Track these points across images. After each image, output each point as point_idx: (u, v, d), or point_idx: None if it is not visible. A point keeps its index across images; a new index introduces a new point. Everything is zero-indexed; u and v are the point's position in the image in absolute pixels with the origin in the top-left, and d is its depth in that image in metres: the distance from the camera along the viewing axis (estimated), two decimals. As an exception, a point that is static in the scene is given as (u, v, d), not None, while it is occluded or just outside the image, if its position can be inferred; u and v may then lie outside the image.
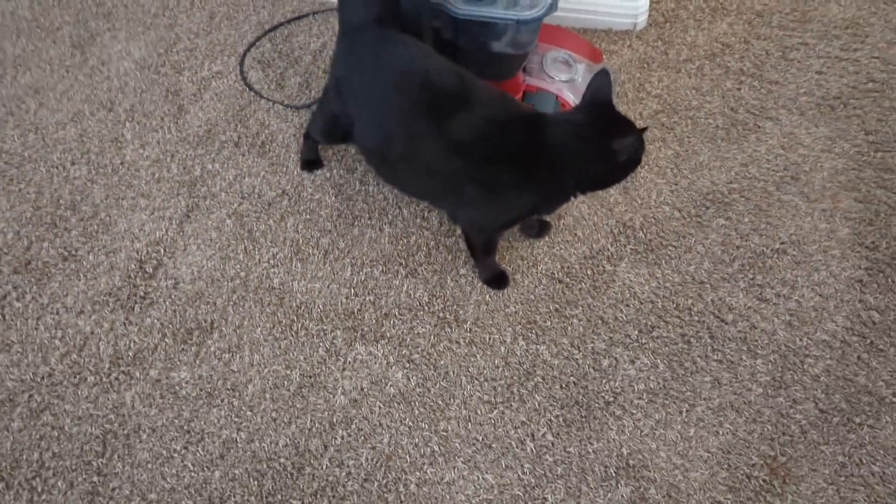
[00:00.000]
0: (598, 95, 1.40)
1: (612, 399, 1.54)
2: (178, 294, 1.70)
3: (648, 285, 1.70)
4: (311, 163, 1.91)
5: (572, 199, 1.51)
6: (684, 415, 1.52)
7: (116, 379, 1.58)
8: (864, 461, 1.46)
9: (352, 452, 1.48)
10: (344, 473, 1.46)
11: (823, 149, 1.93)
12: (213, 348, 1.62)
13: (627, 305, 1.68)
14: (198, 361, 1.60)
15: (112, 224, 1.83)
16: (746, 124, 1.99)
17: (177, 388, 1.57)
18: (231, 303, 1.69)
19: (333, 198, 1.86)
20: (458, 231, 1.78)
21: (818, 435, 1.49)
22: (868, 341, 1.61)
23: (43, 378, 1.58)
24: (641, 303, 1.68)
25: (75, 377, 1.58)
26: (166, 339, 1.64)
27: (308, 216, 1.83)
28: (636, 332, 1.64)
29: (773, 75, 2.09)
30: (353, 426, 1.51)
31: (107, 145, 1.99)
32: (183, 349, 1.62)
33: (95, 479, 1.45)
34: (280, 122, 2.02)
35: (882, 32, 2.19)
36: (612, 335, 1.63)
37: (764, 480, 1.44)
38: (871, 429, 1.50)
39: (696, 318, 1.65)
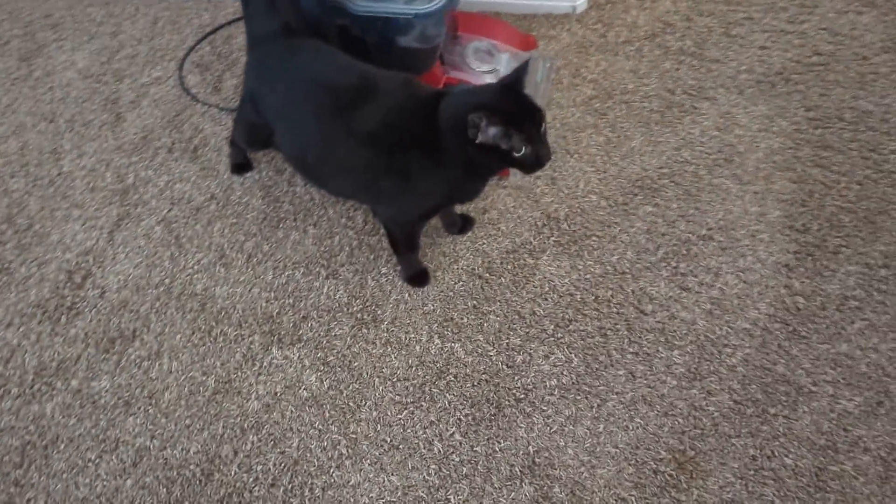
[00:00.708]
0: (509, 77, 1.36)
1: (522, 396, 1.53)
2: (103, 303, 1.73)
3: (569, 278, 1.68)
4: (240, 166, 1.92)
5: (485, 184, 1.48)
6: (595, 410, 1.50)
7: (39, 390, 1.61)
8: (777, 453, 1.42)
9: (261, 458, 1.49)
10: (252, 479, 1.47)
11: (761, 128, 1.88)
12: (133, 356, 1.65)
13: (546, 299, 1.65)
14: (118, 370, 1.63)
15: (45, 235, 1.86)
16: (682, 106, 1.94)
17: (96, 397, 1.60)
18: (154, 310, 1.71)
19: (261, 200, 1.87)
20: (382, 230, 1.77)
21: (730, 427, 1.46)
22: (790, 328, 1.56)
23: (-30, 391, 1.62)
24: (560, 296, 1.65)
25: (0, 390, 1.62)
26: (89, 349, 1.66)
27: (234, 220, 1.84)
28: (552, 326, 1.61)
29: (713, 53, 2.03)
30: (265, 431, 1.53)
31: (45, 157, 2.02)
32: (105, 358, 1.65)
33: (12, 489, 1.49)
34: (214, 125, 2.03)
35: (832, 1, 2.11)
36: (528, 330, 1.61)
37: (670, 475, 1.41)
38: (787, 419, 1.46)
39: (615, 310, 1.62)
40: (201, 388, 1.59)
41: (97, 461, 1.51)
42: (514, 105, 1.34)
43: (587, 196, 1.80)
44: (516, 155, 1.34)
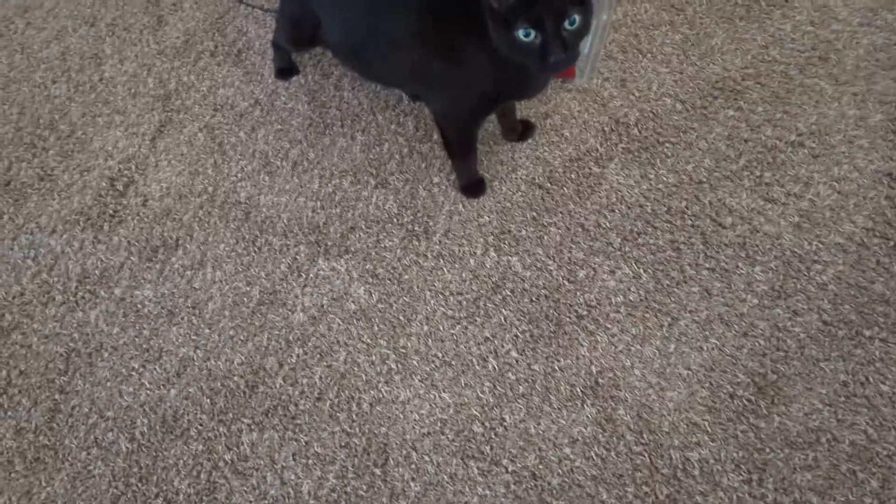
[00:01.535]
0: None
1: (585, 313, 1.41)
2: (146, 211, 1.66)
3: (639, 188, 1.53)
4: (284, 71, 1.81)
5: (540, 78, 1.32)
6: (665, 329, 1.37)
7: (83, 298, 1.57)
8: (872, 379, 1.28)
9: (307, 371, 1.42)
10: (297, 392, 1.40)
11: (862, 22, 1.66)
12: (176, 265, 1.58)
13: (613, 211, 1.51)
14: (161, 279, 1.57)
15: (88, 142, 1.79)
16: None
17: (139, 306, 1.54)
18: (197, 219, 1.63)
19: (307, 106, 1.75)
20: (435, 136, 1.65)
21: (818, 350, 1.31)
22: (892, 243, 1.39)
23: (14, 298, 1.58)
24: (629, 207, 1.51)
25: (44, 297, 1.57)
26: (132, 258, 1.60)
27: (280, 126, 1.73)
28: (619, 239, 1.48)
29: (809, -60, 1.80)
30: (310, 344, 1.45)
31: (87, 62, 1.94)
32: (148, 267, 1.59)
33: (58, 396, 1.46)
34: (258, 27, 1.91)
35: None
36: (592, 244, 1.48)
37: (749, 400, 1.28)
38: (884, 343, 1.31)
39: (690, 223, 1.47)
40: (245, 299, 1.51)
41: (141, 370, 1.46)
42: None
43: (661, 99, 1.63)
44: (522, 38, 1.15)
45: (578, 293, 1.43)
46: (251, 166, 1.68)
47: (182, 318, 1.51)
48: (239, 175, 1.68)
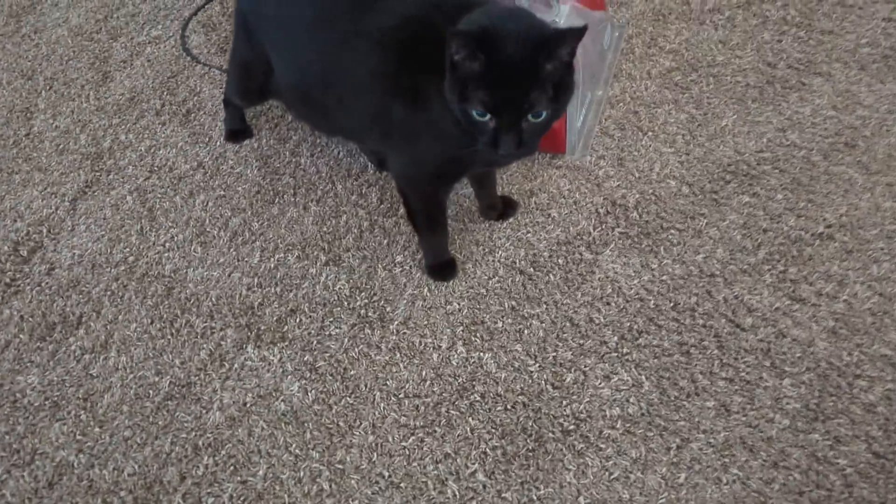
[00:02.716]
0: (544, 26, 0.99)
1: (572, 427, 1.12)
2: (50, 281, 1.38)
3: (639, 279, 1.28)
4: (236, 133, 1.58)
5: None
6: (673, 453, 1.08)
7: (-49, 382, 1.26)
8: (942, 532, 0.98)
9: (214, 487, 1.11)
10: (199, 515, 1.08)
11: (891, 109, 1.47)
12: (73, 347, 1.29)
13: (608, 304, 1.25)
14: (52, 363, 1.27)
15: (-2, 202, 1.53)
16: (787, 82, 1.55)
17: (18, 395, 1.23)
18: (108, 292, 1.35)
19: (256, 171, 1.52)
20: (402, 210, 1.40)
21: (870, 490, 1.02)
22: (950, 358, 1.13)
23: None
24: (627, 301, 1.25)
25: None
26: (21, 335, 1.31)
27: (222, 192, 1.49)
28: (616, 338, 1.21)
29: (825, 24, 1.64)
30: (224, 452, 1.14)
31: (15, 115, 1.71)
32: (38, 348, 1.29)
33: None
34: (213, 87, 1.70)
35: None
36: (582, 342, 1.21)
37: (785, 554, 0.98)
38: (954, 484, 1.01)
39: (701, 322, 1.21)
40: (151, 392, 1.21)
41: (4, 477, 1.14)
42: (509, 56, 0.94)
43: (664, 181, 1.41)
44: (476, 117, 0.96)
45: (565, 402, 1.14)
46: (183, 235, 1.42)
47: (69, 413, 1.21)
48: (167, 244, 1.41)
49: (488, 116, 0.96)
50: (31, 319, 1.34)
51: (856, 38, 1.61)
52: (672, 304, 1.24)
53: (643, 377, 1.16)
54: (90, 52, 1.85)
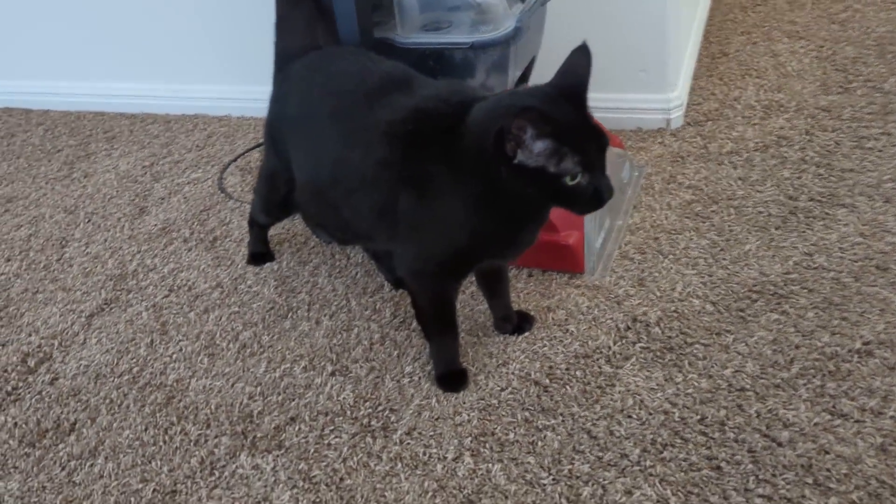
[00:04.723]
0: (567, 77, 1.02)
1: (589, 545, 0.99)
2: (51, 391, 1.35)
3: (662, 392, 1.19)
4: (258, 256, 1.60)
5: (528, 233, 1.09)
6: (707, 576, 0.93)
7: (-70, 486, 1.19)
8: None
9: None
10: None
11: (921, 235, 1.43)
12: (62, 454, 1.22)
13: (629, 417, 1.16)
14: (36, 470, 1.20)
15: (17, 317, 1.55)
16: (811, 212, 1.53)
17: (-4, 500, 1.16)
18: (107, 401, 1.31)
19: (273, 290, 1.52)
20: (414, 324, 1.37)
21: None
22: None
23: None
24: (650, 413, 1.16)
25: None
26: (10, 441, 1.26)
27: (237, 309, 1.48)
28: (638, 451, 1.10)
29: (845, 164, 1.65)
30: (200, 564, 1.03)
31: (51, 244, 1.78)
32: (26, 454, 1.23)
33: None
34: (242, 219, 1.75)
35: None
36: (601, 454, 1.10)
37: None
38: None
39: (733, 437, 1.10)
40: (132, 500, 1.13)
41: (-41, 587, 1.04)
42: (571, 115, 0.99)
43: (686, 299, 1.36)
44: (568, 183, 0.97)
45: (581, 517, 1.02)
46: (191, 347, 1.40)
47: (42, 520, 1.12)
48: (174, 356, 1.39)
49: (579, 176, 0.97)
50: (23, 426, 1.29)
51: (878, 175, 1.61)
52: (699, 418, 1.14)
53: (669, 492, 1.04)
54: (132, 191, 1.95)
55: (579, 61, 1.00)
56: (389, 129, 1.10)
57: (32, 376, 1.39)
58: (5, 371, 1.41)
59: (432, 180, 1.07)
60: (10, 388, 1.37)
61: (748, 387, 1.18)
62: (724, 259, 1.44)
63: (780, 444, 1.08)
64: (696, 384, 1.20)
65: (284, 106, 1.29)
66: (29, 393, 1.35)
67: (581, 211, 1.04)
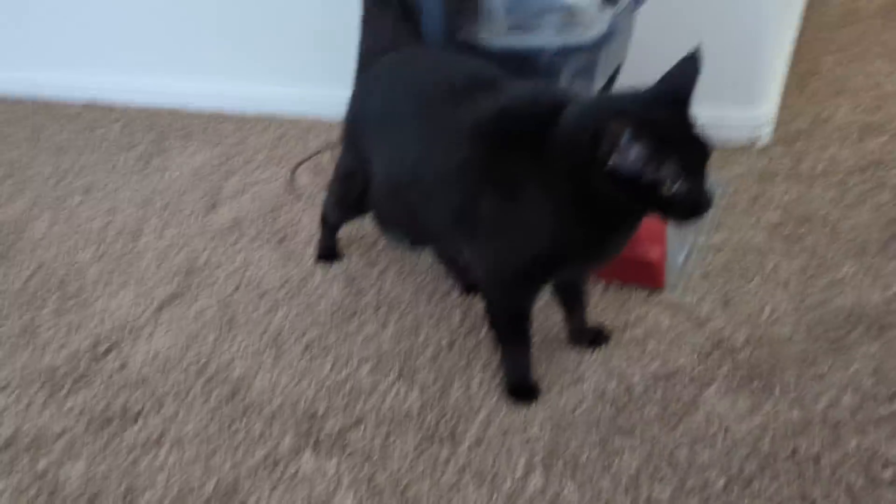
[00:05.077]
0: (670, 80, 0.97)
1: (670, 577, 0.92)
2: (118, 378, 1.35)
3: (749, 421, 1.12)
4: (328, 255, 1.59)
5: (616, 241, 1.04)
6: None
7: (-3, 465, 1.20)
8: None
9: None
10: None
11: None
12: (126, 441, 1.22)
13: (713, 445, 1.09)
14: (101, 456, 1.20)
15: (90, 304, 1.56)
16: (913, 239, 1.43)
17: (60, 484, 1.16)
18: (173, 392, 1.30)
19: (341, 291, 1.49)
20: (485, 331, 1.33)
21: None
22: None
23: (-82, 453, 1.23)
24: (735, 443, 1.08)
25: (-47, 457, 1.22)
26: (78, 426, 1.26)
27: (304, 308, 1.46)
28: (723, 480, 1.03)
29: (949, 189, 1.55)
30: (259, 564, 1.00)
31: (124, 235, 1.80)
32: (91, 440, 1.23)
33: None
34: (311, 218, 1.74)
35: None
36: (682, 481, 1.04)
37: None
38: None
39: (828, 472, 1.02)
40: (194, 492, 1.11)
41: (20, 568, 1.03)
42: (672, 121, 0.94)
43: (775, 325, 1.28)
44: (666, 192, 0.91)
45: (660, 547, 0.96)
46: (257, 344, 1.38)
47: (104, 507, 1.10)
48: (240, 351, 1.37)
49: (678, 184, 0.92)
50: (91, 412, 1.29)
51: None
52: (791, 451, 1.07)
53: (757, 527, 0.97)
54: (204, 187, 1.96)
55: (688, 67, 0.95)
56: (474, 129, 1.06)
57: (102, 362, 1.39)
58: (76, 355, 1.41)
59: (518, 183, 1.03)
60: (80, 373, 1.37)
61: (846, 420, 1.10)
62: (817, 284, 1.36)
63: (881, 483, 1.00)
64: (786, 415, 1.12)
65: (366, 104, 1.27)
66: (98, 378, 1.35)
67: (679, 221, 0.98)
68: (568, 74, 1.30)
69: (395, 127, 1.18)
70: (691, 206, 0.95)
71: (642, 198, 0.94)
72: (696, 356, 1.24)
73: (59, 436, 1.24)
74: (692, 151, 0.93)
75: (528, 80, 1.13)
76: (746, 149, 1.80)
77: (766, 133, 1.80)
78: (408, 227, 1.27)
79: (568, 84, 1.32)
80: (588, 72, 1.30)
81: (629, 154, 0.92)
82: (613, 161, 0.92)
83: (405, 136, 1.16)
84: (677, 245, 1.40)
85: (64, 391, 1.33)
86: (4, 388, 1.36)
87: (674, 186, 0.92)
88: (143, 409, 1.27)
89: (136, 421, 1.25)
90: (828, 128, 1.82)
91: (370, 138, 1.25)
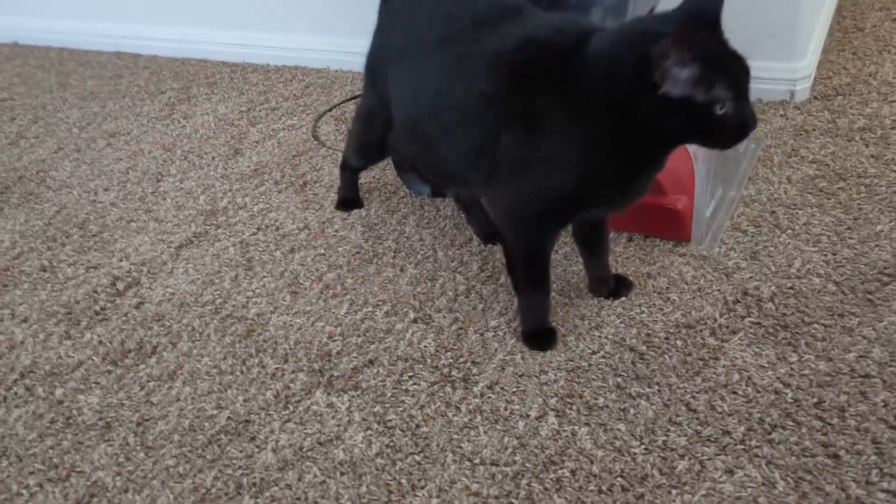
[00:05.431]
0: (700, 3, 0.93)
1: (683, 521, 0.90)
2: (136, 314, 1.35)
3: (773, 371, 1.08)
4: (348, 202, 1.57)
5: (645, 178, 1.01)
6: (817, 569, 0.83)
7: (15, 394, 1.21)
8: None
9: (248, 531, 0.95)
10: (224, 559, 0.92)
11: None
12: (141, 374, 1.22)
13: (734, 393, 1.05)
14: (116, 387, 1.20)
15: (111, 243, 1.56)
16: (953, 196, 1.37)
17: (75, 413, 1.16)
18: (189, 328, 1.30)
19: (360, 235, 1.47)
20: (502, 279, 1.30)
21: None
22: None
23: (-61, 379, 1.24)
24: (759, 391, 1.05)
25: (-28, 384, 1.23)
26: (95, 358, 1.26)
27: (322, 251, 1.45)
28: (743, 429, 1.00)
29: None
30: (268, 494, 0.99)
31: (147, 177, 1.79)
32: (108, 371, 1.23)
33: (-87, 502, 1.04)
34: (333, 166, 1.72)
35: None
36: (700, 428, 1.01)
37: None
38: None
39: (854, 424, 0.99)
40: (206, 425, 1.10)
41: (35, 490, 1.04)
42: (712, 41, 0.90)
43: (806, 277, 1.24)
44: (717, 112, 0.88)
45: (675, 492, 0.93)
46: (274, 284, 1.37)
47: (117, 436, 1.11)
48: (257, 291, 1.36)
49: (727, 105, 0.89)
50: (108, 345, 1.29)
51: None
52: (816, 401, 1.03)
53: (776, 476, 0.94)
54: (228, 134, 1.95)
55: None
56: (496, 60, 1.03)
57: (120, 299, 1.39)
58: (95, 292, 1.41)
59: (542, 116, 1.00)
60: (98, 309, 1.37)
61: (874, 374, 1.06)
62: (852, 238, 1.31)
63: (909, 438, 0.96)
64: (812, 365, 1.08)
65: (387, 37, 1.24)
66: (115, 314, 1.35)
67: (725, 144, 0.95)
68: (598, 13, 1.25)
69: (415, 59, 1.15)
70: (739, 126, 0.92)
71: (692, 122, 0.90)
72: (720, 307, 1.20)
73: (76, 367, 1.25)
74: (737, 71, 0.90)
75: (555, 11, 1.09)
76: (784, 104, 1.74)
77: (804, 88, 1.74)
78: (428, 168, 1.24)
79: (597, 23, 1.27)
80: (620, 10, 1.26)
81: (679, 77, 0.88)
82: (664, 87, 0.88)
83: (426, 68, 1.13)
84: (705, 197, 1.35)
85: (82, 326, 1.34)
86: (24, 321, 1.37)
87: (723, 107, 0.88)
88: (158, 344, 1.27)
89: (151, 356, 1.25)
90: (871, 84, 1.75)
91: (390, 73, 1.21)
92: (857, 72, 1.81)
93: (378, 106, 1.28)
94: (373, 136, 1.35)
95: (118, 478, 1.04)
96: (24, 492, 1.04)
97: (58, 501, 1.02)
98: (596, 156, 0.97)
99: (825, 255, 1.28)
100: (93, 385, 1.21)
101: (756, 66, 0.95)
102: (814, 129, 1.62)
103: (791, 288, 1.22)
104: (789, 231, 1.34)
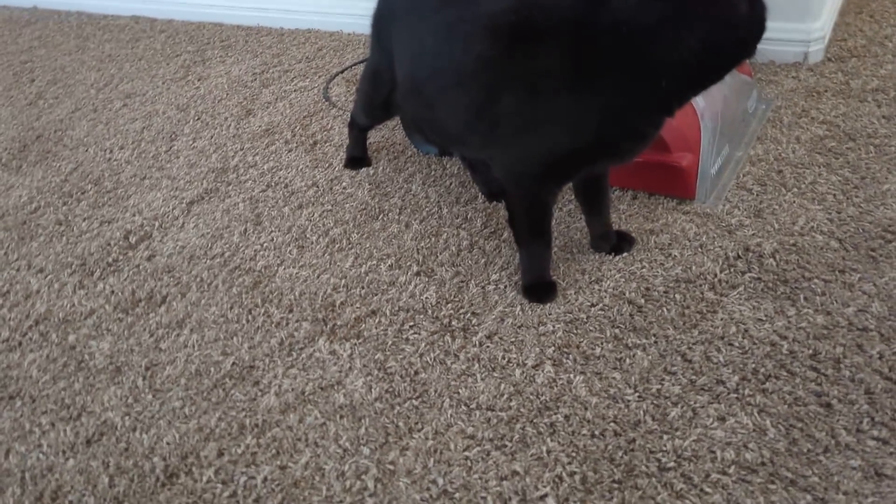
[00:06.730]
0: None
1: (672, 464, 0.91)
2: (148, 265, 1.38)
3: (771, 324, 1.09)
4: (356, 160, 1.58)
5: (656, 127, 1.01)
6: (802, 511, 0.84)
7: (30, 339, 1.25)
8: None
9: (251, 468, 0.98)
10: (227, 493, 0.95)
11: None
12: (151, 322, 1.25)
13: (730, 344, 1.06)
14: (126, 334, 1.23)
15: (124, 199, 1.59)
16: (963, 156, 1.36)
17: (87, 357, 1.20)
18: (198, 279, 1.33)
19: (367, 193, 1.49)
20: (505, 234, 1.31)
21: None
22: None
23: (-43, 326, 1.29)
24: (754, 343, 1.06)
25: (-10, 330, 1.27)
26: (107, 307, 1.29)
27: (329, 208, 1.47)
28: (737, 378, 1.01)
29: None
30: (269, 435, 1.02)
31: (161, 136, 1.82)
32: (119, 318, 1.27)
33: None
34: (342, 126, 1.73)
35: None
36: (694, 378, 1.02)
37: None
38: None
39: (848, 374, 0.99)
40: (212, 370, 1.14)
41: (47, 428, 1.08)
42: None
43: (808, 234, 1.24)
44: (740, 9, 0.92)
45: (666, 437, 0.95)
46: (282, 238, 1.40)
47: (127, 379, 1.14)
48: (265, 244, 1.39)
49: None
50: (119, 295, 1.32)
51: None
52: (811, 353, 1.04)
53: (768, 423, 0.95)
54: (241, 95, 1.96)
55: None
56: (492, 22, 1.03)
57: (132, 251, 1.42)
58: (108, 245, 1.45)
59: (544, 79, 1.00)
60: (110, 260, 1.41)
61: (872, 327, 1.06)
62: (857, 197, 1.30)
63: (902, 389, 0.97)
64: (810, 319, 1.09)
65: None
66: (127, 266, 1.39)
67: (748, 50, 0.96)
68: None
69: (417, 19, 1.16)
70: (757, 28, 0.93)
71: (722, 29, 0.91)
72: (721, 262, 1.21)
73: (88, 315, 1.28)
74: None
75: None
76: (797, 65, 1.73)
77: (818, 49, 1.72)
78: (430, 128, 1.25)
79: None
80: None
81: None
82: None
83: (425, 29, 1.13)
84: (711, 155, 1.35)
85: (95, 276, 1.37)
86: (40, 271, 1.41)
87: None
88: (168, 294, 1.30)
89: (160, 305, 1.28)
90: (887, 46, 1.73)
91: (395, 32, 1.22)
92: (873, 34, 1.78)
93: (384, 65, 1.29)
94: (379, 95, 1.36)
95: (127, 417, 1.08)
96: (36, 429, 1.08)
97: (69, 438, 1.06)
98: (611, 112, 0.98)
99: (829, 214, 1.28)
100: (104, 332, 1.24)
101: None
102: (826, 91, 1.61)
103: (793, 245, 1.22)
104: (795, 190, 1.34)
